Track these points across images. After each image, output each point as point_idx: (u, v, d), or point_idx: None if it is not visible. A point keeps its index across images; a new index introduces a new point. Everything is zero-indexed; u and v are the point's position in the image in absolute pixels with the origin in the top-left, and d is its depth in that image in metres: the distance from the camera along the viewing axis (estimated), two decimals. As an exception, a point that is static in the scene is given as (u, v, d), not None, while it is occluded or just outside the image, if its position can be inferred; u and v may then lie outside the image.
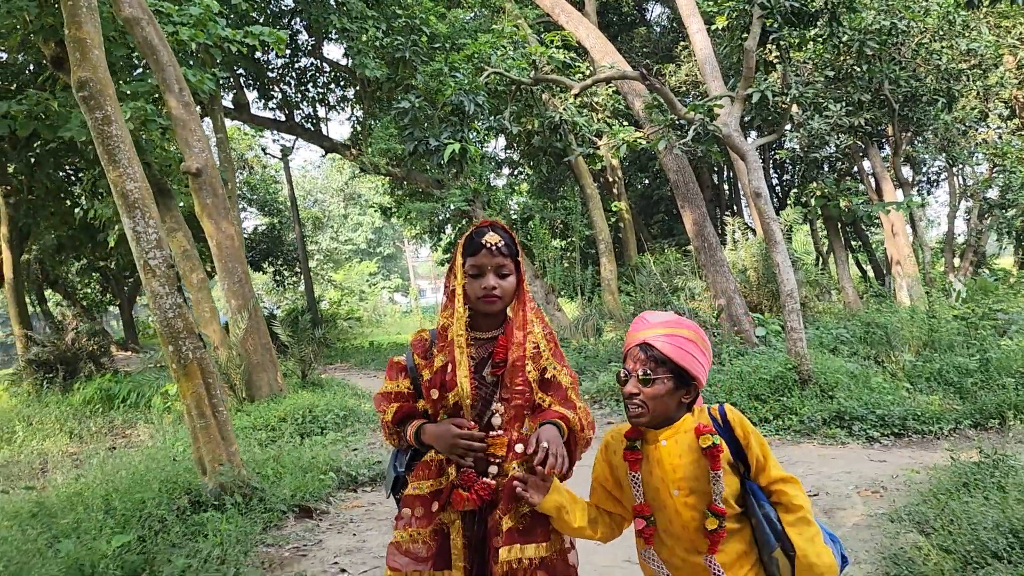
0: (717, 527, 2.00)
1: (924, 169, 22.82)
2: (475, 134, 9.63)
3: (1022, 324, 10.81)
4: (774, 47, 9.50)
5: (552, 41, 11.60)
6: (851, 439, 7.18)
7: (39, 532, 4.29)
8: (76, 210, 13.92)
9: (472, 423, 2.19)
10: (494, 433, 2.20)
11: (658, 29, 23.68)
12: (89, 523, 4.30)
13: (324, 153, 19.02)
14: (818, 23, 9.21)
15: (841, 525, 4.36)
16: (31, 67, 14.03)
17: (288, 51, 17.43)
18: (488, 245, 2.24)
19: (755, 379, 8.53)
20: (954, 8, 12.23)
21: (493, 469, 2.18)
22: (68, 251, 20.30)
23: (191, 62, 11.56)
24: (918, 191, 23.93)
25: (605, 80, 10.27)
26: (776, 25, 8.71)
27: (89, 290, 31.59)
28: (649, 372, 2.04)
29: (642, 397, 2.05)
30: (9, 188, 15.61)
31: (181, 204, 11.59)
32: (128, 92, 9.82)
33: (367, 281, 49.93)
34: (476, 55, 9.72)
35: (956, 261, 18.32)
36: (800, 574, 1.95)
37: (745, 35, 9.07)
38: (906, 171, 20.23)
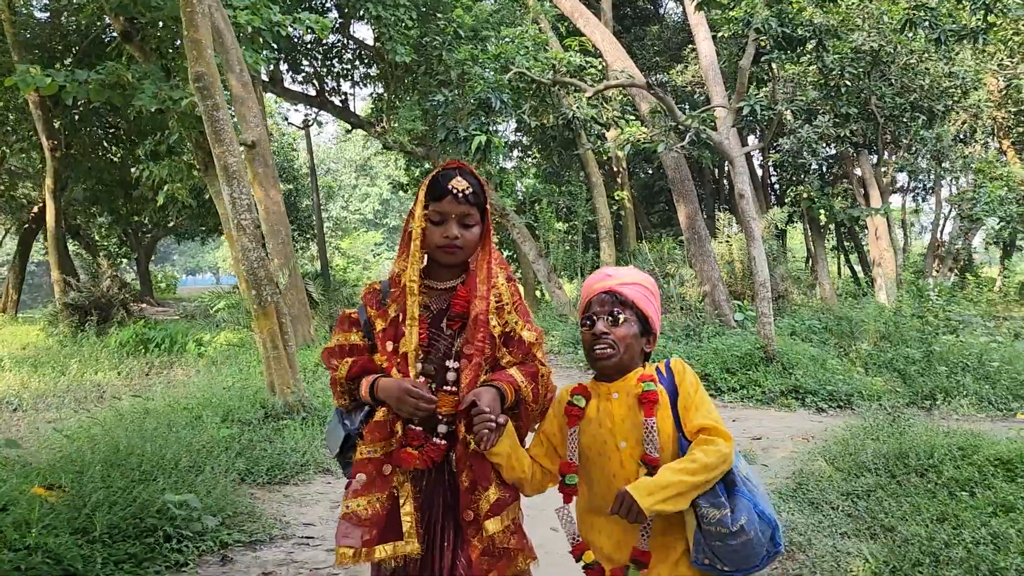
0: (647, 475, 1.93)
1: (920, 176, 24.06)
2: (498, 126, 10.85)
3: (975, 325, 12.18)
4: (767, 65, 10.71)
5: (571, 46, 12.80)
6: (802, 408, 8.51)
7: (155, 426, 5.57)
8: (133, 170, 15.03)
9: (423, 380, 2.07)
10: (448, 389, 2.08)
11: (670, 26, 24.77)
12: (197, 420, 5.59)
13: (350, 129, 20.18)
14: (807, 47, 10.43)
15: (772, 457, 5.70)
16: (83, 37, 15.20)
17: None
18: (454, 191, 2.08)
19: (728, 355, 9.85)
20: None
21: (443, 428, 2.07)
22: (103, 204, 21.47)
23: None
24: (913, 197, 25.26)
25: (616, 86, 11.48)
26: (769, 47, 9.93)
27: (106, 243, 32.81)
28: (618, 313, 2.03)
29: (613, 337, 2.02)
30: (55, 143, 16.77)
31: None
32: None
33: (371, 251, 51.23)
34: (502, 55, 10.91)
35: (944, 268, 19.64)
36: (637, 482, 1.87)
37: (741, 53, 10.29)
38: (902, 178, 21.50)
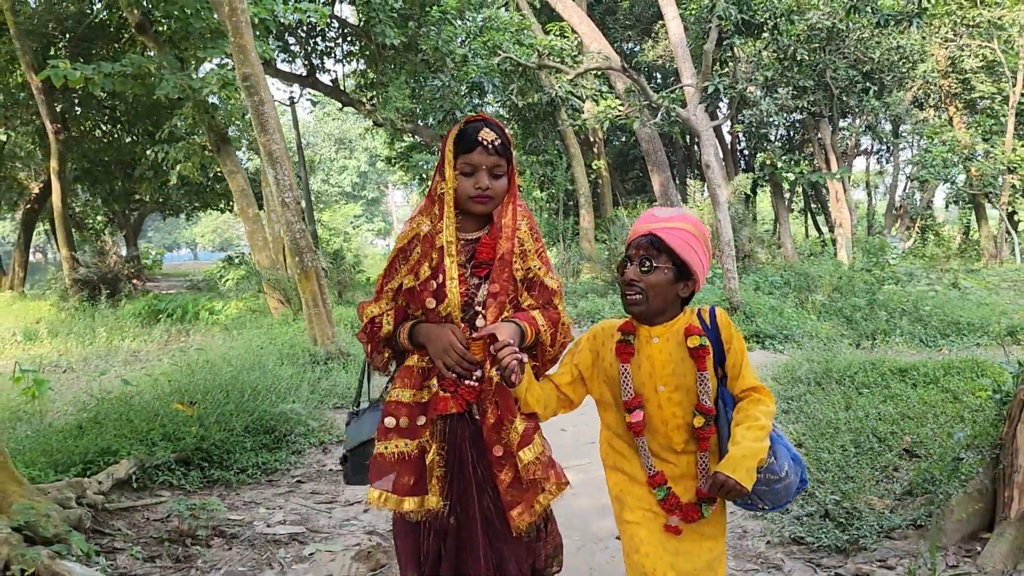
0: (704, 424, 2.07)
1: (882, 140, 25.49)
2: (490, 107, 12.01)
3: (918, 277, 13.69)
4: (729, 48, 11.93)
5: (552, 31, 13.96)
6: (762, 349, 9.84)
7: (229, 369, 6.72)
8: (148, 152, 15.92)
9: (464, 328, 2.14)
10: (477, 335, 2.12)
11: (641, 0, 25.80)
12: (258, 366, 6.78)
13: (341, 107, 21.11)
14: (764, 31, 11.65)
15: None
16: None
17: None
18: (484, 143, 2.12)
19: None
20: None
21: (478, 373, 2.13)
22: (101, 183, 22.23)
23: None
24: (877, 160, 26.86)
25: (594, 69, 12.64)
26: (730, 32, 11.14)
27: (90, 220, 33.35)
28: (650, 260, 2.05)
29: (642, 284, 2.05)
30: (59, 126, 17.54)
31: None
32: (205, 57, 11.99)
33: (351, 223, 52.09)
34: (489, 40, 12.02)
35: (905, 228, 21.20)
36: (725, 461, 1.96)
37: (705, 36, 11.49)
38: (866, 142, 22.92)
